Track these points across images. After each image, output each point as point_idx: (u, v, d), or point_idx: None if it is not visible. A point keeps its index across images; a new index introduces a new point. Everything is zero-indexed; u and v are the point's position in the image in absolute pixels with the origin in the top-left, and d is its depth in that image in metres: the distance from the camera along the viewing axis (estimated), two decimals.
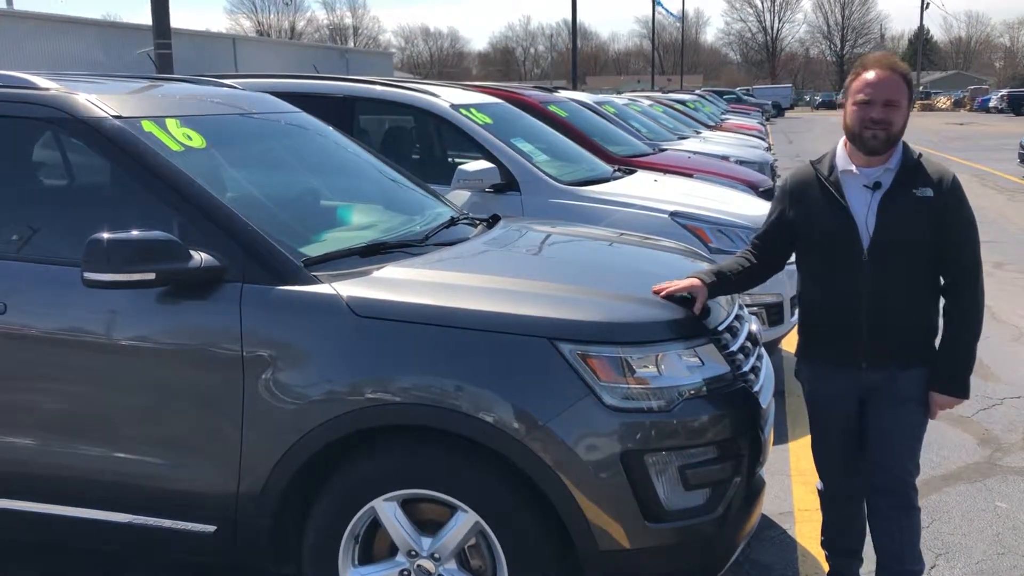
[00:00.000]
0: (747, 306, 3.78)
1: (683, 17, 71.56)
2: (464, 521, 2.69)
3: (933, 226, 2.80)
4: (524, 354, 2.63)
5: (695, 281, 2.95)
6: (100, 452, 2.90)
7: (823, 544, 3.28)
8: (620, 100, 14.01)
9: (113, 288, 2.69)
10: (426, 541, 2.75)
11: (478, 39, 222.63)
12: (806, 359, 3.08)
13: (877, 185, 2.84)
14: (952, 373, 2.88)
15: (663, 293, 2.92)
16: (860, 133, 2.81)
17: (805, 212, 2.94)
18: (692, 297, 2.93)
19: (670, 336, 2.76)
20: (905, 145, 2.88)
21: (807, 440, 4.82)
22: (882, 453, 2.94)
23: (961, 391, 2.89)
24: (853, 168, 2.87)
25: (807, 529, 3.80)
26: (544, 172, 5.83)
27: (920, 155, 2.88)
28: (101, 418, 2.91)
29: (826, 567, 3.29)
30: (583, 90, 22.71)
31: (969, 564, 3.53)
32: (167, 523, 2.89)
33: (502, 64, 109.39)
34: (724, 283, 3.04)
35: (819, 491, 3.23)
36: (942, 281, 2.90)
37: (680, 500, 2.67)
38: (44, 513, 2.98)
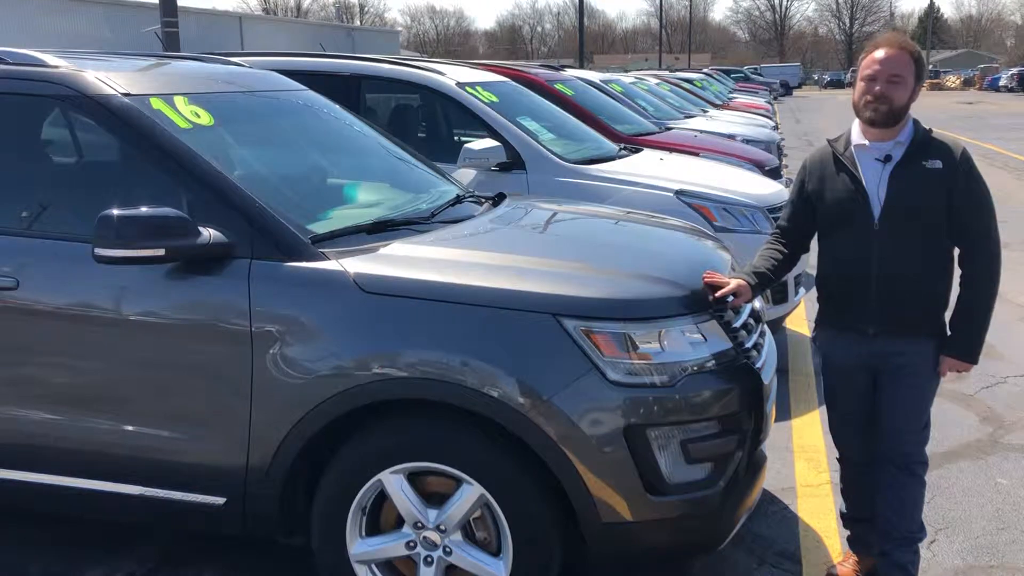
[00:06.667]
0: None
1: None
2: (470, 494, 2.73)
3: (944, 196, 2.88)
4: (529, 330, 2.66)
5: (741, 281, 3.02)
6: (111, 425, 2.95)
7: (842, 514, 3.33)
8: (627, 79, 13.96)
9: (123, 264, 2.72)
10: (432, 513, 2.80)
11: (484, 18, 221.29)
12: (821, 327, 3.18)
13: (888, 158, 2.93)
14: (961, 337, 2.96)
15: (711, 281, 2.97)
16: (863, 107, 2.93)
17: (821, 185, 3.05)
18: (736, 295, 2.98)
19: (673, 312, 2.78)
20: (915, 121, 2.98)
21: (810, 417, 4.91)
22: (889, 424, 3.02)
23: (968, 356, 2.97)
24: (865, 142, 2.97)
25: (809, 504, 3.84)
26: (550, 150, 5.83)
27: (930, 130, 2.98)
28: (112, 392, 2.96)
29: (827, 541, 3.33)
30: (590, 69, 22.62)
31: (969, 539, 3.57)
32: (177, 495, 2.94)
33: (509, 43, 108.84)
34: (765, 281, 3.14)
35: (838, 459, 3.30)
36: (957, 253, 2.96)
37: (682, 474, 2.70)
38: (57, 485, 3.03)
